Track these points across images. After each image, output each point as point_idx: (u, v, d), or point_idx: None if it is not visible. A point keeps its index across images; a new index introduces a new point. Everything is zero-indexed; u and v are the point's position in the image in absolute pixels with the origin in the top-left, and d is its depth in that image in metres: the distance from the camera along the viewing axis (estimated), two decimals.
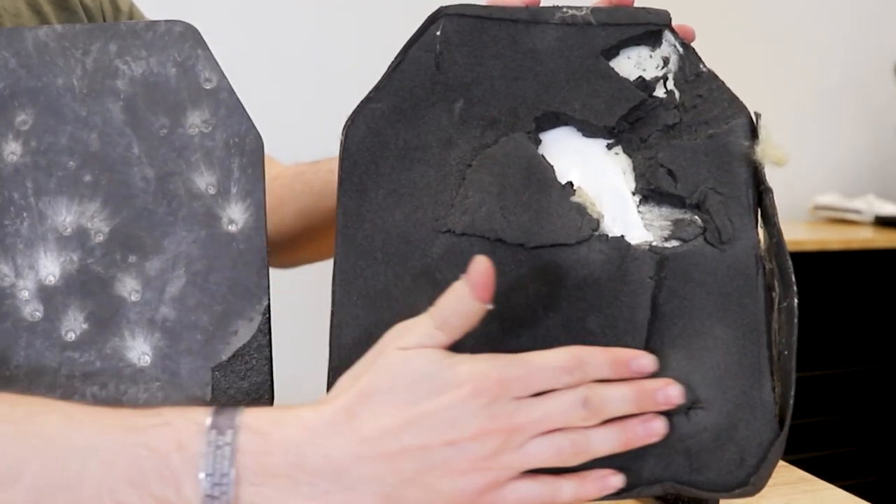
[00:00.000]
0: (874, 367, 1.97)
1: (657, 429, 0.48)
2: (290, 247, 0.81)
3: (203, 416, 0.45)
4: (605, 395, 0.47)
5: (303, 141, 0.96)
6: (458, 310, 0.46)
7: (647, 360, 0.48)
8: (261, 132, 0.59)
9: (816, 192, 2.26)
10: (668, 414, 0.49)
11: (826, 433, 1.96)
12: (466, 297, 0.46)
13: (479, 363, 0.45)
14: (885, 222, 2.03)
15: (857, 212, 2.06)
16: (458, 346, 0.48)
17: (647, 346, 0.51)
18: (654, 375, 0.49)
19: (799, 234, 1.96)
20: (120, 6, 0.82)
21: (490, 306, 0.46)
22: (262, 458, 0.44)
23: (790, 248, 0.51)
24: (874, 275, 1.91)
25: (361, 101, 0.54)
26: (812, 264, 1.80)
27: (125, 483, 0.43)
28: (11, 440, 0.44)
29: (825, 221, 2.16)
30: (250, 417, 0.45)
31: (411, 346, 0.46)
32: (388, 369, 0.45)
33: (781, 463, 0.67)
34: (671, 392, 0.48)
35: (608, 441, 0.47)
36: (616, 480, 0.48)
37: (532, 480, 0.46)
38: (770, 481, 0.53)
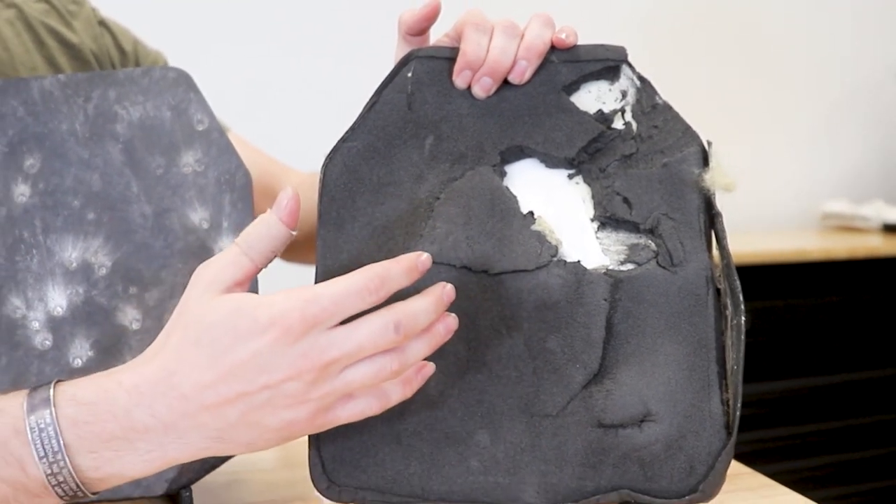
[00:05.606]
0: (887, 374, 1.97)
1: (452, 324, 0.50)
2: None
3: (24, 399, 0.48)
4: (412, 312, 0.48)
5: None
6: (265, 235, 0.49)
7: (424, 257, 0.49)
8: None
9: (826, 198, 2.27)
10: (622, 426, 0.53)
11: (836, 438, 1.96)
12: (273, 223, 0.49)
13: (278, 304, 0.46)
14: (893, 229, 2.03)
15: (864, 219, 2.07)
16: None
17: (603, 364, 0.54)
18: (608, 389, 0.54)
19: (808, 242, 1.97)
20: (124, 48, 0.87)
21: (294, 232, 0.50)
22: (92, 427, 0.47)
23: (796, 256, 0.54)
24: (881, 283, 1.92)
25: (338, 141, 0.58)
26: (818, 273, 1.81)
27: None
28: None
29: (834, 229, 2.17)
30: (72, 389, 0.48)
31: (213, 291, 0.48)
32: (193, 323, 0.47)
33: (745, 469, 0.70)
34: (448, 290, 0.49)
35: (420, 348, 0.49)
36: (428, 369, 0.51)
37: (361, 396, 0.49)
38: (732, 487, 0.57)
